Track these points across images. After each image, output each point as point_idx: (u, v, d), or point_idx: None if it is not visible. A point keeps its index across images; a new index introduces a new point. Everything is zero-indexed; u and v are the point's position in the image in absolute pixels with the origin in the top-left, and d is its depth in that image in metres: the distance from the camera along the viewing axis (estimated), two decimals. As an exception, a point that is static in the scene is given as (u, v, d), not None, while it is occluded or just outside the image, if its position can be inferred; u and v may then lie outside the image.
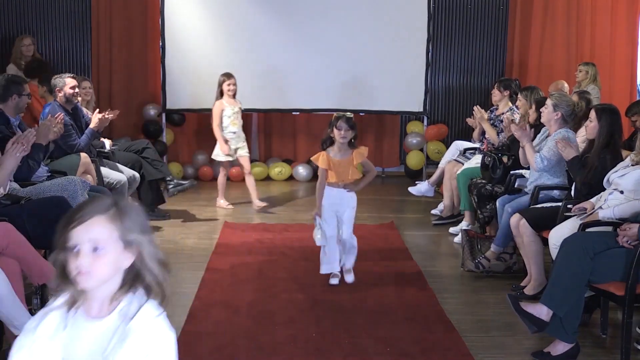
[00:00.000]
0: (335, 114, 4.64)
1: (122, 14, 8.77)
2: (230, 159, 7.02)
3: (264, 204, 7.13)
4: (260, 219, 6.83)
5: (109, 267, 1.78)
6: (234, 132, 6.95)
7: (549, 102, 5.02)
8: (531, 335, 3.81)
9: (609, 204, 4.04)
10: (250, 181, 7.12)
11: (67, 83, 5.76)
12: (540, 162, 4.94)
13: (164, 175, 6.62)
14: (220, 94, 6.90)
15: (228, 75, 6.87)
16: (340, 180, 4.64)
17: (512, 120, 6.00)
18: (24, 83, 5.13)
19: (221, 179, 7.18)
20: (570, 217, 4.28)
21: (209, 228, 6.35)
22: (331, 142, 4.63)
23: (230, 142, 6.93)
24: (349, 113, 4.63)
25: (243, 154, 7.03)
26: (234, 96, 6.91)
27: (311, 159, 4.87)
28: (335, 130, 4.56)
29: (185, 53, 8.40)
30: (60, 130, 4.90)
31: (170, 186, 6.61)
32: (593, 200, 4.22)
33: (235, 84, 6.87)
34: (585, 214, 4.14)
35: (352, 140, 4.61)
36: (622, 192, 4.03)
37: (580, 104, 5.65)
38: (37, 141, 4.38)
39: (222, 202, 7.20)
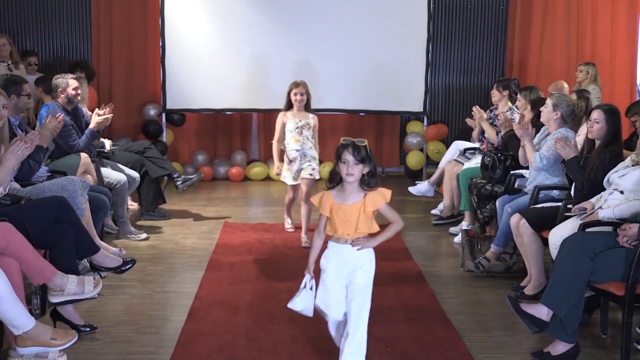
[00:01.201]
0: (341, 139, 3.33)
1: (122, 14, 8.77)
2: (292, 182, 5.92)
3: (308, 244, 5.61)
4: (260, 219, 6.83)
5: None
6: (297, 150, 5.82)
7: (548, 101, 5.03)
8: (531, 335, 3.81)
9: (609, 204, 4.04)
10: (304, 210, 5.85)
11: (69, 84, 5.76)
12: (539, 161, 4.94)
13: (169, 172, 6.59)
14: (289, 104, 5.91)
15: (295, 84, 5.87)
16: (345, 234, 3.39)
17: (511, 119, 6.00)
18: (24, 83, 5.13)
19: (286, 200, 6.22)
20: (570, 217, 4.28)
21: (209, 228, 6.35)
22: (340, 177, 3.33)
23: (294, 163, 5.86)
24: (360, 139, 3.30)
25: (305, 175, 5.83)
26: (305, 107, 5.89)
27: (311, 199, 3.56)
28: (340, 164, 3.28)
29: (185, 53, 8.40)
30: (55, 129, 4.89)
31: (179, 182, 6.53)
32: (593, 200, 4.22)
33: (303, 93, 5.82)
34: (585, 214, 4.14)
35: (366, 177, 3.31)
36: (622, 192, 4.04)
37: (580, 104, 5.65)
38: (38, 143, 4.38)
39: (287, 223, 6.30)
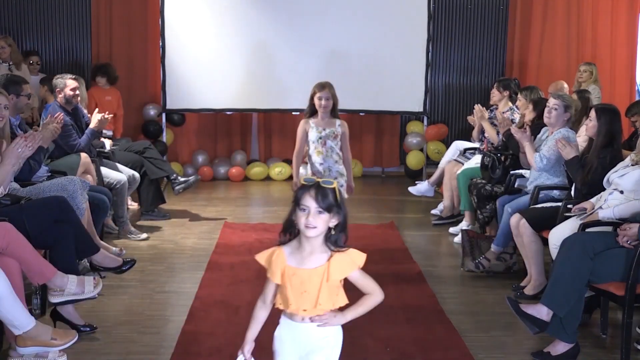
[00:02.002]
0: (302, 179, 2.54)
1: (122, 14, 8.77)
2: None
3: None
4: (260, 219, 6.83)
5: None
6: (320, 164, 4.95)
7: (559, 102, 4.99)
8: (531, 335, 3.81)
9: (608, 204, 4.04)
10: None
11: (67, 84, 5.75)
12: (540, 161, 4.95)
13: (167, 174, 6.60)
14: (312, 109, 5.01)
15: (320, 86, 4.96)
16: (300, 310, 2.53)
17: (511, 120, 6.00)
18: (23, 83, 5.12)
19: None
20: (570, 217, 4.28)
21: (209, 228, 6.35)
22: (298, 229, 2.50)
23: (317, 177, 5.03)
24: (328, 180, 2.52)
25: None
26: (332, 113, 4.96)
27: (256, 257, 2.64)
28: (298, 212, 2.47)
29: (185, 53, 8.40)
30: (57, 130, 4.90)
31: (175, 184, 6.54)
32: (593, 200, 4.22)
33: (329, 97, 4.89)
34: (585, 214, 4.14)
35: (334, 232, 2.53)
36: (622, 192, 4.04)
37: (576, 104, 5.66)
38: (40, 143, 4.38)
39: None
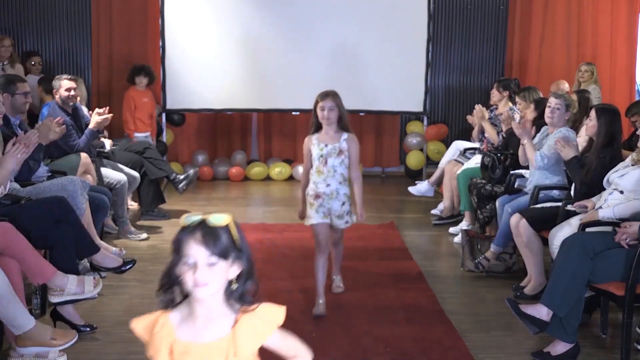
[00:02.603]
0: (182, 218, 2.05)
1: (122, 14, 8.77)
2: (320, 220, 4.24)
3: (341, 289, 4.69)
4: (260, 219, 6.83)
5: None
6: (328, 185, 4.22)
7: (561, 102, 4.99)
8: (531, 335, 3.81)
9: (608, 204, 4.04)
10: (334, 253, 4.58)
11: (62, 85, 5.75)
12: (540, 160, 4.95)
13: (167, 174, 6.60)
14: (317, 123, 4.29)
15: (322, 95, 4.23)
16: None
17: (512, 117, 6.00)
18: (18, 82, 5.06)
19: (316, 258, 4.33)
20: (571, 215, 4.28)
21: (209, 228, 6.33)
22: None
23: (314, 205, 4.22)
24: (218, 215, 1.94)
25: (339, 224, 4.29)
26: (338, 126, 4.24)
27: (132, 325, 2.18)
28: (182, 267, 1.93)
29: (185, 53, 8.40)
30: (62, 131, 4.90)
31: (177, 183, 6.53)
32: (594, 199, 4.22)
33: (333, 108, 4.20)
34: (587, 210, 4.15)
35: (237, 285, 1.91)
36: (621, 192, 4.04)
37: (574, 104, 5.67)
38: (38, 141, 4.37)
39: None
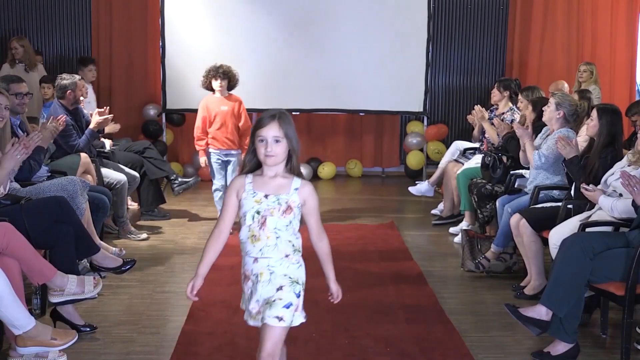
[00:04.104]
0: None
1: (122, 14, 8.78)
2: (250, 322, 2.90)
3: None
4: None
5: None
6: (256, 260, 2.80)
7: (551, 100, 5.05)
8: (531, 335, 3.81)
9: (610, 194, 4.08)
10: None
11: (78, 85, 5.80)
12: (538, 160, 4.96)
13: (167, 174, 6.61)
14: (254, 161, 2.84)
15: (265, 119, 2.75)
16: None
17: (511, 120, 6.00)
18: (12, 82, 5.03)
19: None
20: (571, 215, 4.29)
21: (209, 228, 6.27)
22: None
23: (245, 293, 2.90)
24: None
25: (268, 318, 2.75)
26: (287, 167, 2.80)
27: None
28: None
29: (185, 53, 8.40)
30: (59, 127, 4.89)
31: (175, 185, 6.54)
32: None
33: (279, 140, 2.73)
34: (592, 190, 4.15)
35: None
36: (620, 195, 4.03)
37: (583, 105, 5.67)
38: (39, 144, 4.37)
39: None
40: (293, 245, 2.79)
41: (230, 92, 6.23)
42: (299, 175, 2.81)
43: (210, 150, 6.17)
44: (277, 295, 2.71)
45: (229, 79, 6.15)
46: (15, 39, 7.71)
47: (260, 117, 2.76)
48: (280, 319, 2.68)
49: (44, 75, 7.61)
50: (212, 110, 6.16)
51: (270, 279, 2.75)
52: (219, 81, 6.09)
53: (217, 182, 6.21)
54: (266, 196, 2.74)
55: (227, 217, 2.83)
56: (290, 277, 2.76)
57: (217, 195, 6.20)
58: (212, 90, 6.18)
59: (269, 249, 2.75)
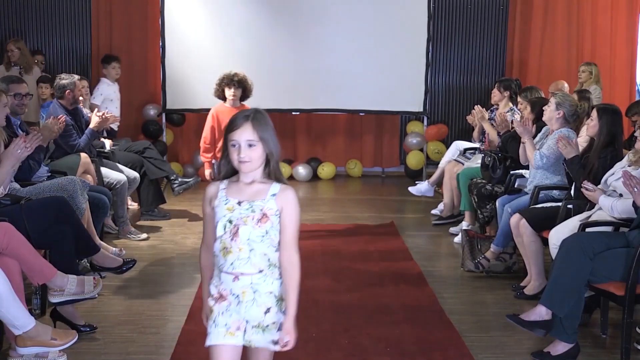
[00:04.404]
0: None
1: (122, 14, 8.78)
2: (220, 341, 2.50)
3: None
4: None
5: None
6: (236, 278, 2.49)
7: (552, 100, 5.06)
8: (531, 335, 3.81)
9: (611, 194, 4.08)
10: None
11: (77, 85, 5.79)
12: (539, 160, 4.96)
13: (167, 174, 6.61)
14: (229, 166, 2.55)
15: (238, 119, 2.49)
16: None
17: (511, 120, 6.00)
18: (11, 83, 5.02)
19: None
20: (571, 215, 4.29)
21: (209, 228, 6.34)
22: None
23: (214, 312, 2.51)
24: None
25: (262, 343, 2.50)
26: (264, 172, 2.51)
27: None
28: None
29: (185, 53, 8.40)
30: (60, 128, 4.90)
31: (175, 185, 6.55)
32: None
33: (253, 144, 2.45)
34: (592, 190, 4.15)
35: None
36: (621, 195, 4.03)
37: (583, 105, 5.66)
38: (39, 143, 4.37)
39: None
40: (269, 260, 2.47)
41: (243, 103, 5.74)
42: (279, 180, 2.50)
43: (217, 163, 5.71)
44: (268, 319, 2.45)
45: (244, 88, 5.70)
46: (12, 41, 7.71)
47: (232, 119, 2.50)
48: (275, 342, 2.47)
49: (42, 74, 7.61)
50: (221, 121, 5.60)
51: (254, 299, 2.45)
52: (232, 90, 5.63)
53: None
54: (239, 203, 2.46)
55: (209, 230, 2.56)
56: (275, 295, 2.48)
57: None
58: (224, 98, 5.73)
59: (240, 263, 2.44)
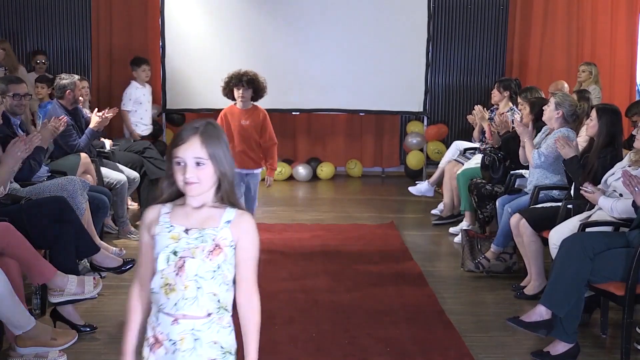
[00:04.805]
0: None
1: (122, 14, 8.78)
2: None
3: None
4: (260, 219, 6.82)
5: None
6: (176, 321, 2.07)
7: (551, 100, 5.06)
8: (531, 335, 3.81)
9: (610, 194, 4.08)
10: None
11: (77, 85, 5.80)
12: (537, 158, 4.97)
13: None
14: (173, 188, 2.16)
15: (183, 135, 2.09)
16: None
17: (507, 120, 6.00)
18: (10, 83, 4.99)
19: None
20: (571, 215, 4.29)
21: (209, 228, 6.33)
22: None
23: (156, 350, 2.12)
24: None
25: None
26: (217, 195, 2.14)
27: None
28: None
29: (185, 53, 8.40)
30: (60, 127, 4.90)
31: None
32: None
33: (201, 162, 2.06)
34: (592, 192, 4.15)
35: None
36: (621, 195, 4.03)
37: (582, 105, 5.66)
38: (39, 144, 4.37)
39: None
40: (219, 301, 2.05)
41: (254, 103, 5.36)
42: (234, 204, 2.13)
43: None
44: None
45: (254, 88, 5.25)
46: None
47: (178, 132, 2.10)
48: None
49: (41, 74, 7.60)
50: (232, 124, 5.25)
51: (194, 347, 2.03)
52: (241, 91, 5.20)
53: None
54: (186, 231, 2.06)
55: (146, 262, 2.15)
56: (221, 347, 2.07)
57: None
58: (234, 98, 5.33)
59: (186, 303, 2.02)
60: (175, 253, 2.05)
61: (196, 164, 2.04)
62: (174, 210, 2.11)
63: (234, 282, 2.11)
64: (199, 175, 2.04)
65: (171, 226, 2.08)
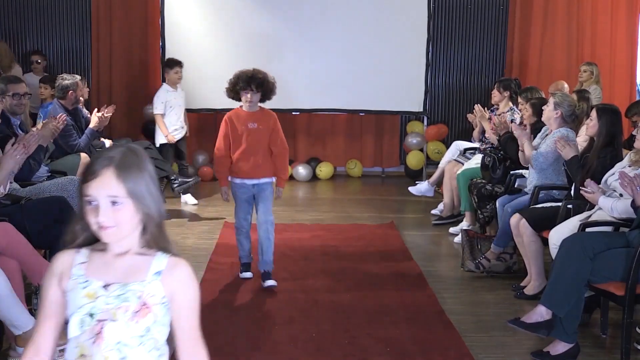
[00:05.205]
0: None
1: (122, 14, 8.78)
2: None
3: None
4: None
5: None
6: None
7: (551, 100, 5.06)
8: (531, 335, 3.81)
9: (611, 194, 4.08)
10: None
11: (79, 85, 5.80)
12: (537, 159, 4.97)
13: (167, 174, 6.61)
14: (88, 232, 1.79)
15: (93, 168, 1.71)
16: None
17: (511, 120, 6.00)
18: (9, 83, 5.00)
19: None
20: (571, 215, 4.29)
21: (209, 228, 6.35)
22: None
23: None
24: None
25: None
26: (142, 240, 1.88)
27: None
28: None
29: (185, 53, 8.38)
30: (58, 127, 4.90)
31: (175, 185, 6.54)
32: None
33: (118, 201, 1.71)
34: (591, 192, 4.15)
35: None
36: (621, 195, 4.03)
37: (582, 105, 5.66)
38: (39, 142, 4.37)
39: None
40: None
41: (261, 105, 4.86)
42: (165, 249, 1.82)
43: (233, 179, 4.76)
44: None
45: (263, 91, 4.73)
46: None
47: (89, 162, 1.73)
48: None
49: (44, 75, 7.61)
50: (237, 128, 4.75)
51: None
52: (249, 95, 4.69)
53: (241, 219, 4.77)
54: (105, 287, 1.69)
55: (44, 323, 1.71)
56: None
57: (241, 233, 4.82)
58: (239, 99, 4.86)
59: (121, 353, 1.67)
60: (91, 315, 1.66)
61: (112, 204, 1.66)
62: (91, 259, 1.71)
63: (169, 341, 1.75)
64: (116, 217, 1.66)
65: (86, 281, 1.68)
